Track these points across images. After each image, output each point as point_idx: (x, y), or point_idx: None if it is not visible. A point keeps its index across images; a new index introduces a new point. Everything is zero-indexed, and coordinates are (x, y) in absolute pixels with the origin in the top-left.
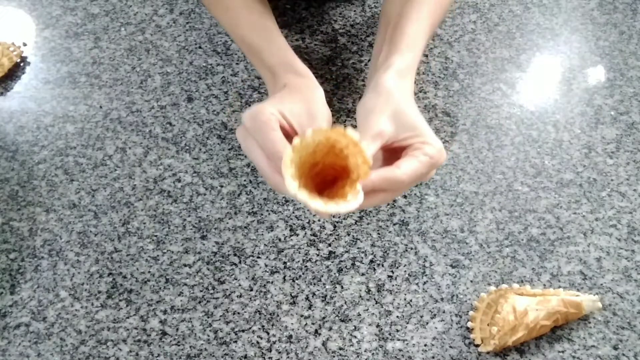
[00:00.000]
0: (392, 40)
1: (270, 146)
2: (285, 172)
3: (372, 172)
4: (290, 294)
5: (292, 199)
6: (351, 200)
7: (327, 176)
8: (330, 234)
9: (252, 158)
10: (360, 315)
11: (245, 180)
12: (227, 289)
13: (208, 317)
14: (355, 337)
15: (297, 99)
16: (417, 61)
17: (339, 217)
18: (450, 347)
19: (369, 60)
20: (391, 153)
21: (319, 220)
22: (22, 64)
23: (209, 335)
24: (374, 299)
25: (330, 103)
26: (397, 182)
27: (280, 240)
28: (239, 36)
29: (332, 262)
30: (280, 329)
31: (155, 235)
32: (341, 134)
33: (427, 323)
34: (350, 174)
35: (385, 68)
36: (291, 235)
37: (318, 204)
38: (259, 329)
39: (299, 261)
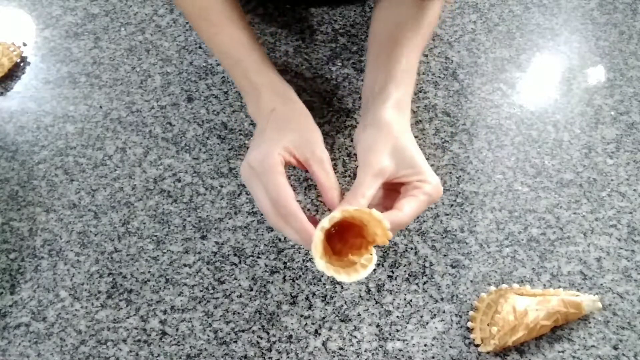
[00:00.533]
0: (387, 68)
1: (275, 193)
2: (315, 254)
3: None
4: (290, 294)
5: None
6: (367, 265)
7: (343, 227)
8: None
9: (256, 198)
10: (360, 315)
11: None
12: (227, 289)
13: (208, 317)
14: (355, 337)
15: (293, 128)
16: (412, 91)
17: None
18: (450, 347)
19: None
20: (389, 187)
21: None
22: (22, 64)
23: (209, 335)
24: (374, 299)
25: (330, 103)
26: (401, 224)
27: (280, 240)
28: (223, 51)
29: None
30: (280, 329)
31: (155, 235)
32: (367, 214)
33: (427, 323)
34: (367, 237)
35: (383, 100)
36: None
37: (343, 277)
38: (259, 329)
39: (299, 261)
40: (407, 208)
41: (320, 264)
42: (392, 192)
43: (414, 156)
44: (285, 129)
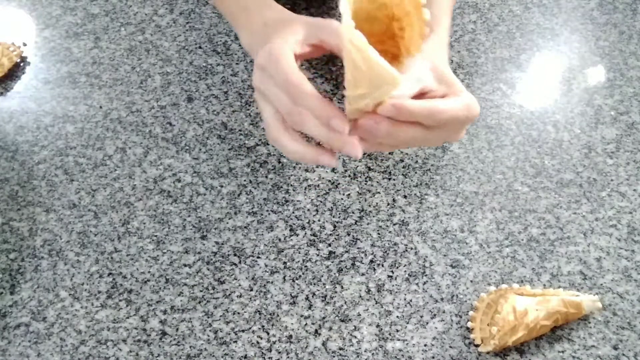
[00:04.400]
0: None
1: (284, 75)
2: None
3: (413, 100)
4: (290, 294)
5: (291, 199)
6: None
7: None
8: (330, 234)
9: (270, 98)
10: (360, 315)
11: (245, 180)
12: (227, 289)
13: (208, 317)
14: (355, 337)
15: (294, 27)
16: (447, 39)
17: (339, 217)
18: (450, 347)
19: None
20: None
21: (319, 220)
22: (22, 64)
23: (209, 335)
24: (374, 299)
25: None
26: (437, 115)
27: (280, 240)
28: None
29: (332, 262)
30: (280, 329)
31: (155, 235)
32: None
33: (427, 323)
34: (400, 46)
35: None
36: (291, 235)
37: (376, 56)
38: (259, 329)
39: (299, 261)
40: (446, 101)
41: (349, 22)
42: None
43: (454, 79)
44: (286, 30)
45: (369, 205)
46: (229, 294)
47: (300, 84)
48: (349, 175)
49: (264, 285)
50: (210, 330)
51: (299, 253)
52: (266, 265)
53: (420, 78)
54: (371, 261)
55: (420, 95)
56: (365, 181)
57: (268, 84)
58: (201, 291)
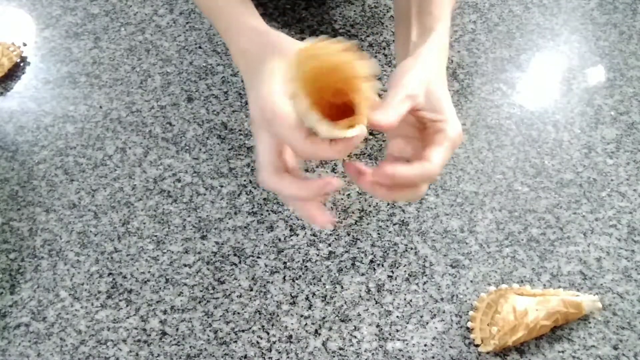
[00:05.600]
0: (420, 21)
1: (288, 136)
2: (288, 84)
3: (407, 167)
4: (290, 294)
5: None
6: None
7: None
8: (330, 234)
9: (260, 149)
10: (360, 315)
11: (245, 180)
12: (227, 289)
13: (208, 317)
14: (355, 337)
15: (273, 58)
16: (447, 39)
17: (339, 217)
18: (450, 347)
19: None
20: (410, 133)
21: None
22: (22, 64)
23: (209, 335)
24: (374, 299)
25: None
26: (433, 175)
27: (280, 240)
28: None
29: (332, 262)
30: (280, 329)
31: (155, 235)
32: (349, 64)
33: (427, 323)
34: (356, 110)
35: (423, 42)
36: (291, 235)
37: (336, 132)
38: (259, 329)
39: (299, 261)
40: (435, 157)
41: (302, 102)
42: (412, 140)
43: (442, 98)
44: (269, 61)
45: (369, 205)
46: (229, 294)
47: (304, 140)
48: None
49: (264, 285)
50: (210, 330)
51: (299, 253)
52: (266, 265)
53: (413, 94)
54: (371, 261)
55: (412, 112)
56: None
57: (266, 131)
58: (201, 291)
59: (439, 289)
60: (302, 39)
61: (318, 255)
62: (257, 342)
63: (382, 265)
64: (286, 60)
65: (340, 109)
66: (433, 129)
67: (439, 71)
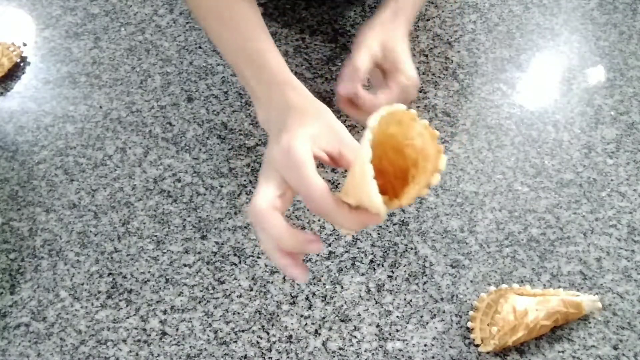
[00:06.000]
0: None
1: (306, 187)
2: (368, 178)
3: (367, 94)
4: (290, 294)
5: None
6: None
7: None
8: (330, 234)
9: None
10: (360, 315)
11: (245, 180)
12: (227, 289)
13: (208, 317)
14: (355, 337)
15: (314, 120)
16: (413, 8)
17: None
18: (450, 347)
19: None
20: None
21: (319, 220)
22: (22, 64)
23: (209, 335)
24: (374, 299)
25: (330, 103)
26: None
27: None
28: (239, 47)
29: (332, 262)
30: (280, 329)
31: (155, 235)
32: (420, 125)
33: (427, 323)
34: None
35: (384, 6)
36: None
37: (373, 187)
38: (259, 329)
39: None
40: (382, 97)
41: (377, 198)
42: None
43: (398, 51)
44: (308, 124)
45: None
46: (229, 294)
47: (323, 198)
48: None
49: (264, 285)
50: (210, 330)
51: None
52: (266, 265)
53: (373, 51)
54: (371, 261)
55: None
56: None
57: (279, 173)
58: (201, 291)
59: (439, 289)
60: (302, 39)
61: (318, 255)
62: (257, 342)
63: (382, 265)
64: (327, 121)
65: (385, 176)
66: (389, 75)
67: (395, 28)
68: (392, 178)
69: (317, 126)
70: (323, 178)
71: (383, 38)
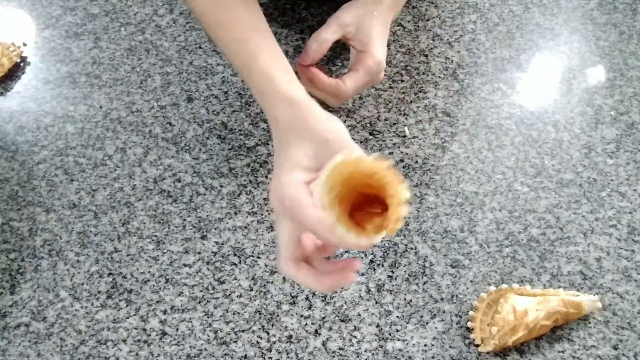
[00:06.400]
0: None
1: (309, 225)
2: (323, 200)
3: (326, 77)
4: (290, 294)
5: None
6: (380, 231)
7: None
8: None
9: (279, 234)
10: (360, 315)
11: (245, 180)
12: (227, 289)
13: (208, 317)
14: (355, 337)
15: (301, 139)
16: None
17: None
18: (450, 347)
19: None
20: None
21: None
22: (22, 64)
23: (209, 335)
24: (374, 299)
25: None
26: (342, 96)
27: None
28: (233, 50)
29: None
30: (280, 329)
31: (155, 235)
32: (383, 168)
33: (427, 323)
34: (386, 212)
35: None
36: None
37: (362, 240)
38: (259, 329)
39: None
40: (348, 80)
41: (340, 227)
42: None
43: (370, 33)
44: (293, 145)
45: None
46: (229, 294)
47: (327, 229)
48: None
49: (264, 285)
50: (210, 330)
51: None
52: (266, 265)
53: (344, 24)
54: (371, 261)
55: (344, 39)
56: None
57: (281, 222)
58: (201, 291)
59: (439, 289)
60: (302, 39)
61: None
62: (257, 342)
63: (382, 265)
64: (315, 138)
65: (367, 198)
66: (358, 57)
67: (376, 10)
68: (375, 201)
69: (306, 145)
70: None
71: (360, 16)
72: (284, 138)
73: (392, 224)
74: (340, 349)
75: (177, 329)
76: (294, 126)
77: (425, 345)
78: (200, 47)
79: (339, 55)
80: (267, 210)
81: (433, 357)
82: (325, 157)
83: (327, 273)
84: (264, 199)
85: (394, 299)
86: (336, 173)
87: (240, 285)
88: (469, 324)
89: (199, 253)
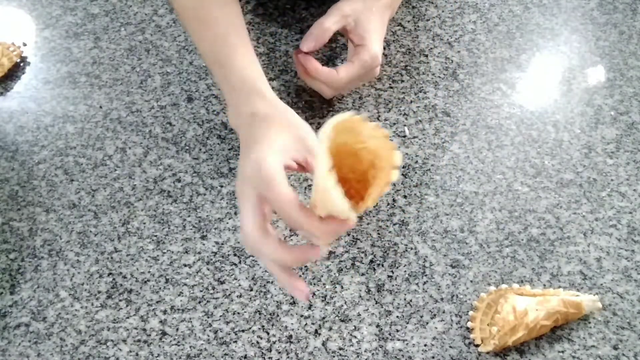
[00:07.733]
0: None
1: (276, 199)
2: (331, 186)
3: (321, 67)
4: (290, 294)
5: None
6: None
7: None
8: None
9: (243, 214)
10: (360, 315)
11: None
12: (227, 289)
13: (208, 317)
14: (355, 337)
15: (282, 131)
16: None
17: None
18: (450, 347)
19: None
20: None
21: None
22: (22, 64)
23: (209, 335)
24: (374, 299)
25: (330, 103)
26: (336, 85)
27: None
28: (210, 50)
29: (332, 262)
30: (280, 329)
31: (155, 235)
32: (374, 129)
33: (427, 323)
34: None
35: None
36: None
37: (353, 213)
38: (259, 329)
39: None
40: (342, 71)
41: (330, 182)
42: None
43: (367, 27)
44: (275, 135)
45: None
46: (229, 294)
47: (293, 208)
48: None
49: (264, 285)
50: (210, 330)
51: None
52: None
53: (345, 15)
54: (371, 261)
55: (344, 31)
56: None
57: (247, 201)
58: (201, 291)
59: (439, 289)
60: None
61: None
62: (257, 342)
63: (382, 265)
64: (294, 131)
65: (348, 183)
66: (355, 51)
67: (376, 5)
68: (354, 183)
69: (285, 137)
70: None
71: (359, 11)
72: (264, 126)
73: (380, 188)
74: (340, 349)
75: (177, 329)
76: (275, 119)
77: (425, 345)
78: None
79: (339, 55)
80: None
81: (433, 357)
82: (300, 154)
83: (294, 247)
84: None
85: (394, 299)
86: (340, 128)
87: (240, 285)
88: (469, 324)
89: (199, 253)
